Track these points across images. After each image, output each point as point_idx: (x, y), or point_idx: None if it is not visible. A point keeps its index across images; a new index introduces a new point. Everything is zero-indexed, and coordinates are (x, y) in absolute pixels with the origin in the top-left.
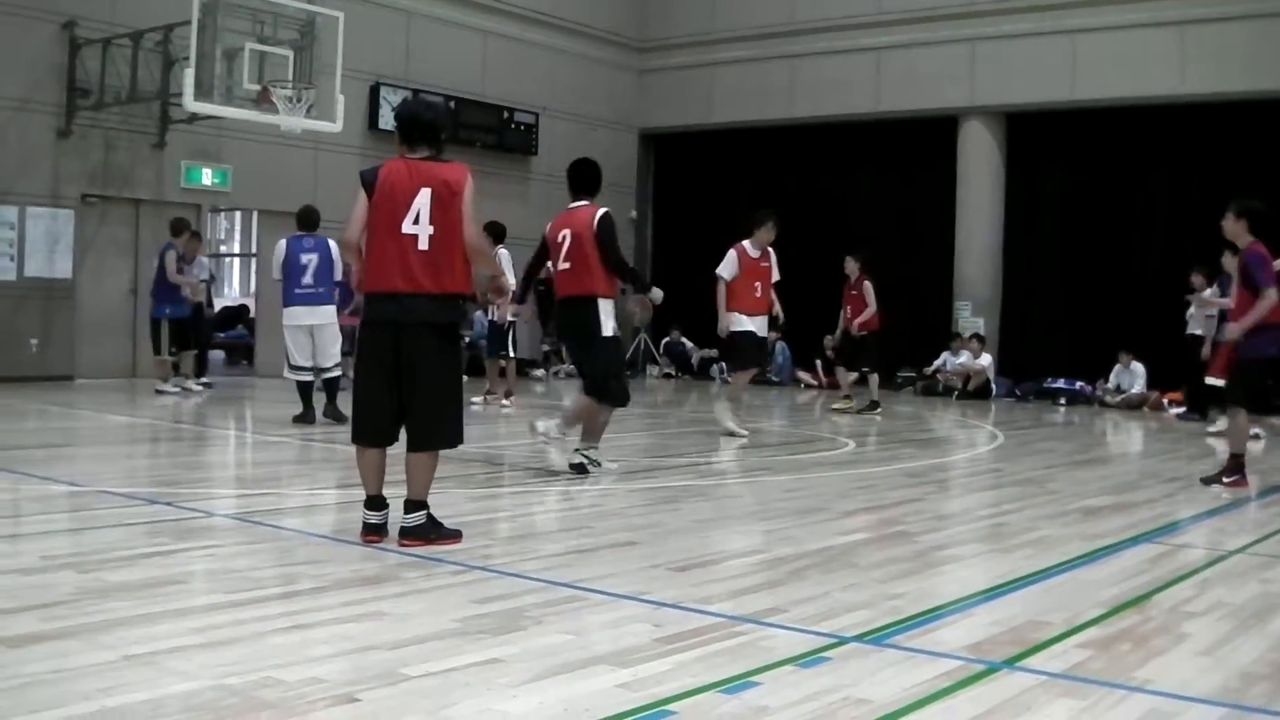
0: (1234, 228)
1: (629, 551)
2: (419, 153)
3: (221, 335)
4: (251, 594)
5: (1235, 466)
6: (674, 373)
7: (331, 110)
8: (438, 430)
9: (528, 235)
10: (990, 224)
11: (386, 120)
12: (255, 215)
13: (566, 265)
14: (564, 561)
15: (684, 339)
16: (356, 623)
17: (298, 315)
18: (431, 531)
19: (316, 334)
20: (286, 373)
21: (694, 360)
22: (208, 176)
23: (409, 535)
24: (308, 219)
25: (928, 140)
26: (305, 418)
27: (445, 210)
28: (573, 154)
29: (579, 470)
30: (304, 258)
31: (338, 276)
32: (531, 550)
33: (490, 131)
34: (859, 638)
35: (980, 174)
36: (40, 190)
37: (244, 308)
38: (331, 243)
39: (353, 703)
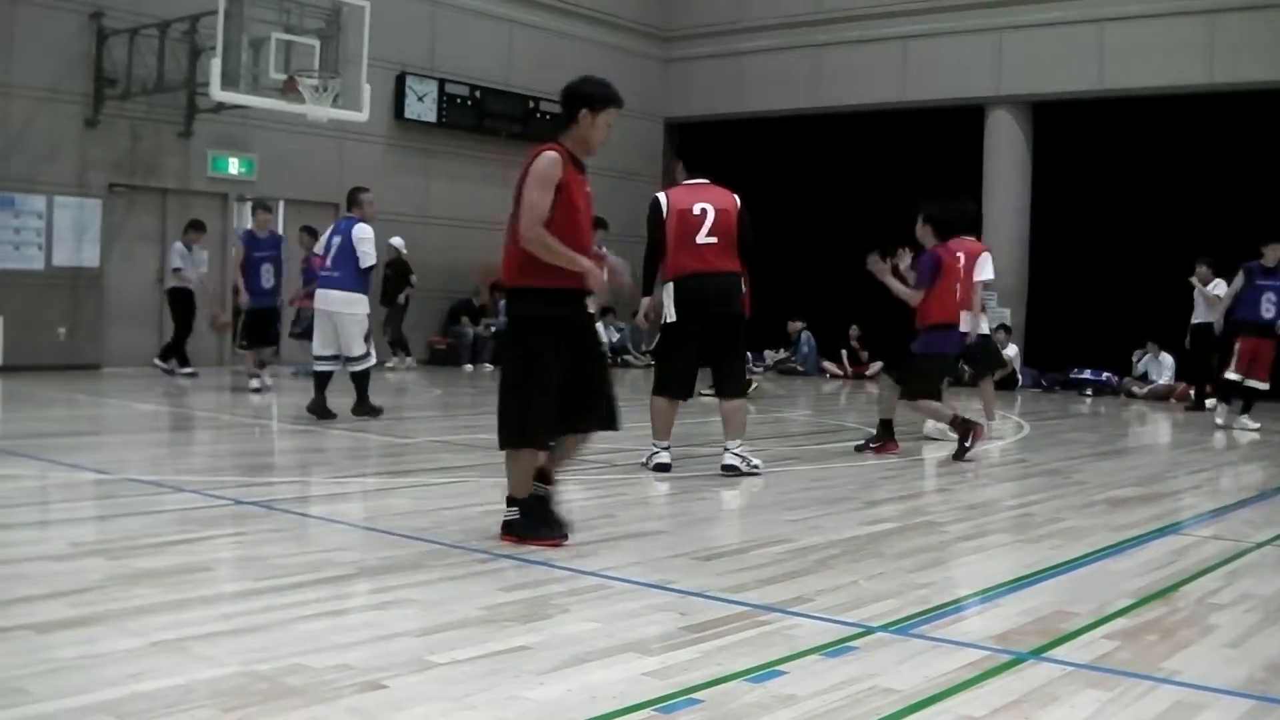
0: (921, 233)
1: (655, 540)
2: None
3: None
4: (279, 581)
5: (885, 432)
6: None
7: (357, 100)
8: (499, 428)
9: None
10: (1016, 214)
11: (412, 110)
12: (281, 204)
13: (713, 240)
14: (590, 550)
15: None
16: (384, 610)
17: (317, 299)
18: (526, 529)
19: (336, 321)
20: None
21: None
22: (234, 166)
23: (504, 530)
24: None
25: (953, 130)
26: (314, 407)
27: (515, 200)
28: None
29: (732, 471)
30: (332, 239)
31: (365, 263)
32: None
33: (516, 121)
34: (885, 627)
35: (1006, 164)
36: (67, 179)
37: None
38: (361, 226)
39: (380, 689)
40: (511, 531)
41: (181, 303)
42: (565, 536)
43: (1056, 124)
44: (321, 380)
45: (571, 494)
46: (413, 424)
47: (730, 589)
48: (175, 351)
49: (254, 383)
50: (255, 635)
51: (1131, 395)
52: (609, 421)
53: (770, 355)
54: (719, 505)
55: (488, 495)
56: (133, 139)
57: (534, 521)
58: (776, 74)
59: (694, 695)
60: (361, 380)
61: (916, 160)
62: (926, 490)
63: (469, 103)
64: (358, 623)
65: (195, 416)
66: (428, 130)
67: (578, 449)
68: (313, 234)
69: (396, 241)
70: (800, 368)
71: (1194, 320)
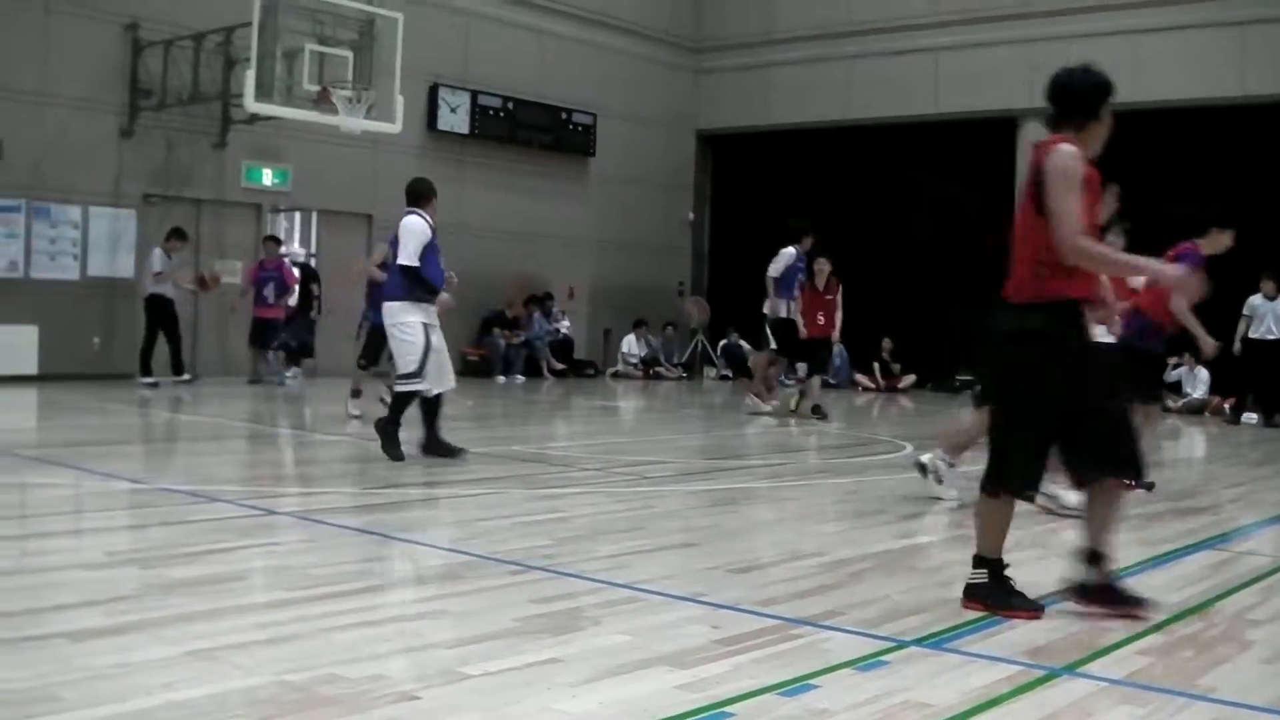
0: None
1: (688, 553)
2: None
3: (283, 334)
4: (313, 591)
5: None
6: (730, 375)
7: (390, 111)
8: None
9: (585, 235)
10: None
11: (445, 121)
12: (315, 215)
13: None
14: (623, 562)
15: (741, 341)
16: (417, 621)
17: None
18: (994, 598)
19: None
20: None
21: (750, 362)
22: (268, 176)
23: (966, 596)
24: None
25: (986, 141)
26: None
27: (1031, 202)
28: (630, 155)
29: (921, 470)
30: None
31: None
32: (590, 551)
33: (548, 132)
34: (918, 641)
35: None
36: (103, 190)
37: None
38: (411, 219)
39: (413, 700)
40: (976, 597)
41: (156, 310)
42: (1041, 608)
43: None
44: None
45: (602, 505)
46: (446, 435)
47: (762, 602)
48: (143, 359)
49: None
50: (289, 645)
51: (1166, 409)
52: (1128, 468)
53: (803, 368)
54: (751, 518)
55: (520, 506)
56: (167, 149)
57: (1003, 589)
58: (807, 85)
59: (726, 709)
60: (429, 408)
61: (948, 172)
62: (961, 504)
63: (501, 114)
64: (391, 633)
65: (230, 426)
66: (460, 141)
67: (1112, 507)
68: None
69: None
70: (832, 380)
71: (1253, 334)
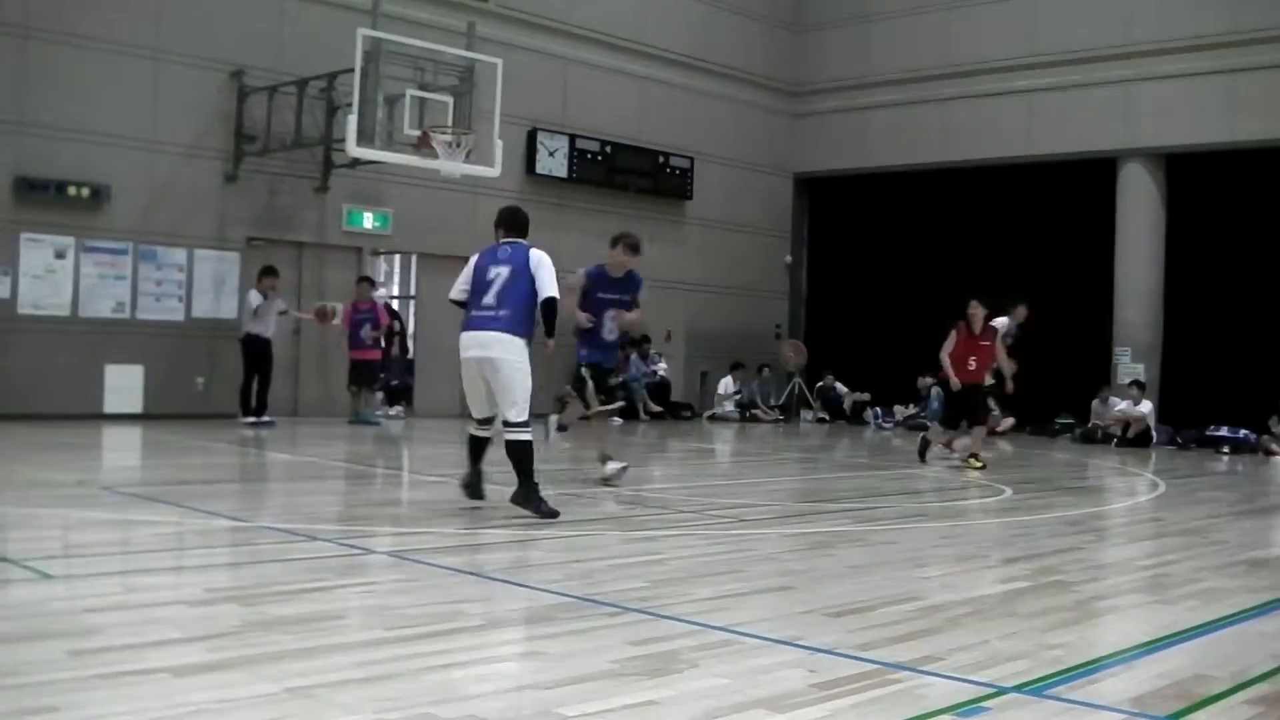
0: None
1: (784, 596)
2: None
3: (382, 374)
4: (410, 631)
5: None
6: (827, 417)
7: (490, 155)
8: None
9: (682, 278)
10: (1151, 268)
11: (544, 165)
12: (414, 258)
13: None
14: (719, 605)
15: (837, 383)
16: (513, 661)
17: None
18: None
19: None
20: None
21: (846, 404)
22: (368, 220)
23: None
24: (512, 220)
25: (1084, 183)
26: (469, 485)
27: None
28: (727, 198)
29: None
30: (492, 270)
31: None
32: (686, 593)
33: (646, 176)
34: (1018, 688)
35: (1140, 217)
36: (207, 233)
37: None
38: (536, 253)
39: None
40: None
41: (251, 349)
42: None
43: (1191, 176)
44: (476, 447)
45: (698, 548)
46: (542, 476)
47: (860, 646)
48: (244, 399)
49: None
50: (386, 684)
51: (1271, 453)
52: None
53: (900, 411)
54: (848, 561)
55: (616, 548)
56: (270, 194)
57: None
58: (904, 128)
59: None
60: (520, 456)
61: (1046, 214)
62: (1058, 549)
63: (599, 158)
64: (487, 673)
65: (330, 466)
66: (559, 185)
67: None
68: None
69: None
70: (929, 423)
71: None
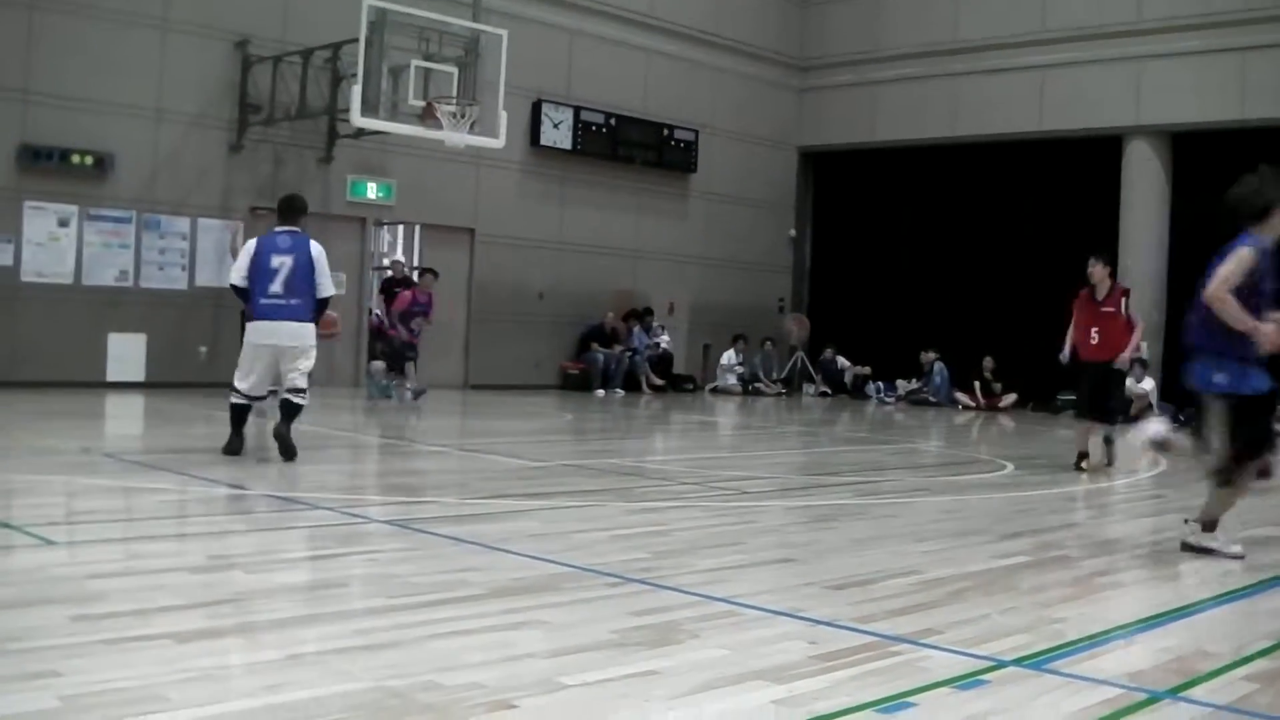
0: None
1: (785, 568)
2: None
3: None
4: (412, 599)
5: None
6: (828, 391)
7: (494, 127)
8: None
9: (685, 251)
10: (1155, 247)
11: (548, 137)
12: (418, 229)
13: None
14: (720, 577)
15: (839, 357)
16: (515, 630)
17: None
18: None
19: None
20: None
21: (848, 378)
22: (373, 190)
23: None
24: (289, 208)
25: (1091, 161)
26: (233, 449)
27: None
28: (732, 172)
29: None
30: (275, 259)
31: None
32: (688, 565)
33: (650, 148)
34: (1018, 662)
35: (1144, 195)
36: (211, 202)
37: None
38: (317, 247)
39: (510, 709)
40: None
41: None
42: None
43: (1197, 155)
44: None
45: (702, 520)
46: (545, 447)
47: (861, 619)
48: None
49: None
50: (388, 651)
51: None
52: None
53: (903, 385)
54: (850, 535)
55: (618, 519)
56: (275, 164)
57: None
58: (912, 104)
59: None
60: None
61: (1053, 192)
62: (1060, 524)
63: (604, 130)
64: (489, 642)
65: (332, 435)
66: (563, 157)
67: None
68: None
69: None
70: (932, 398)
71: None
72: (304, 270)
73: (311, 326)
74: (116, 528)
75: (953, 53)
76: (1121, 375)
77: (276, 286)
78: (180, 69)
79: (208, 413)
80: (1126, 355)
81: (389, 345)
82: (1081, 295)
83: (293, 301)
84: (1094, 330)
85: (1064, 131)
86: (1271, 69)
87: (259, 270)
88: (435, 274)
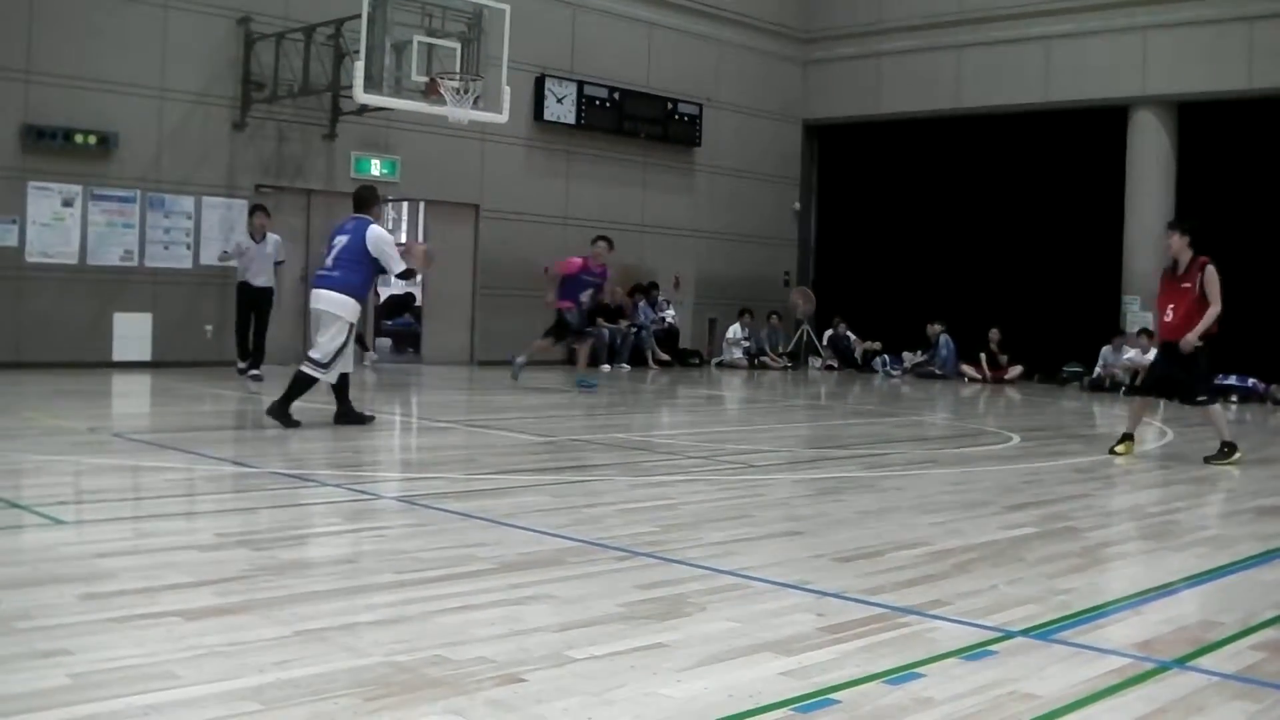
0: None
1: (793, 541)
2: None
3: (389, 323)
4: (420, 574)
5: None
6: (836, 365)
7: (498, 102)
8: None
9: (691, 225)
10: (1161, 216)
11: (552, 111)
12: (423, 205)
13: None
14: (728, 549)
15: (848, 331)
16: (523, 605)
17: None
18: None
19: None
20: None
21: (856, 352)
22: (376, 167)
23: None
24: (355, 199)
25: (1096, 131)
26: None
27: None
28: (736, 145)
29: None
30: (336, 240)
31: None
32: (695, 538)
33: (654, 123)
34: (1025, 632)
35: (1150, 164)
36: (215, 180)
37: (410, 296)
38: (375, 228)
39: (519, 683)
40: None
41: (245, 298)
42: None
43: (1203, 124)
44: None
45: (709, 494)
46: (553, 422)
47: (868, 590)
48: (239, 342)
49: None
50: (397, 627)
51: (1279, 402)
52: None
53: (909, 357)
54: (857, 507)
55: (626, 494)
56: (279, 141)
57: None
58: (917, 75)
59: (831, 696)
60: (338, 387)
61: (1057, 161)
62: (1067, 495)
63: (608, 104)
64: (497, 617)
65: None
66: (567, 132)
67: None
68: None
69: None
70: (938, 371)
71: None
72: (353, 249)
73: (342, 298)
74: (125, 506)
75: (957, 23)
76: (1191, 358)
77: (328, 260)
78: (183, 47)
79: (215, 391)
80: (1192, 336)
81: (558, 321)
82: (1166, 269)
83: (334, 273)
84: (1170, 307)
85: (1069, 102)
86: (1279, 37)
87: (326, 250)
88: (610, 243)
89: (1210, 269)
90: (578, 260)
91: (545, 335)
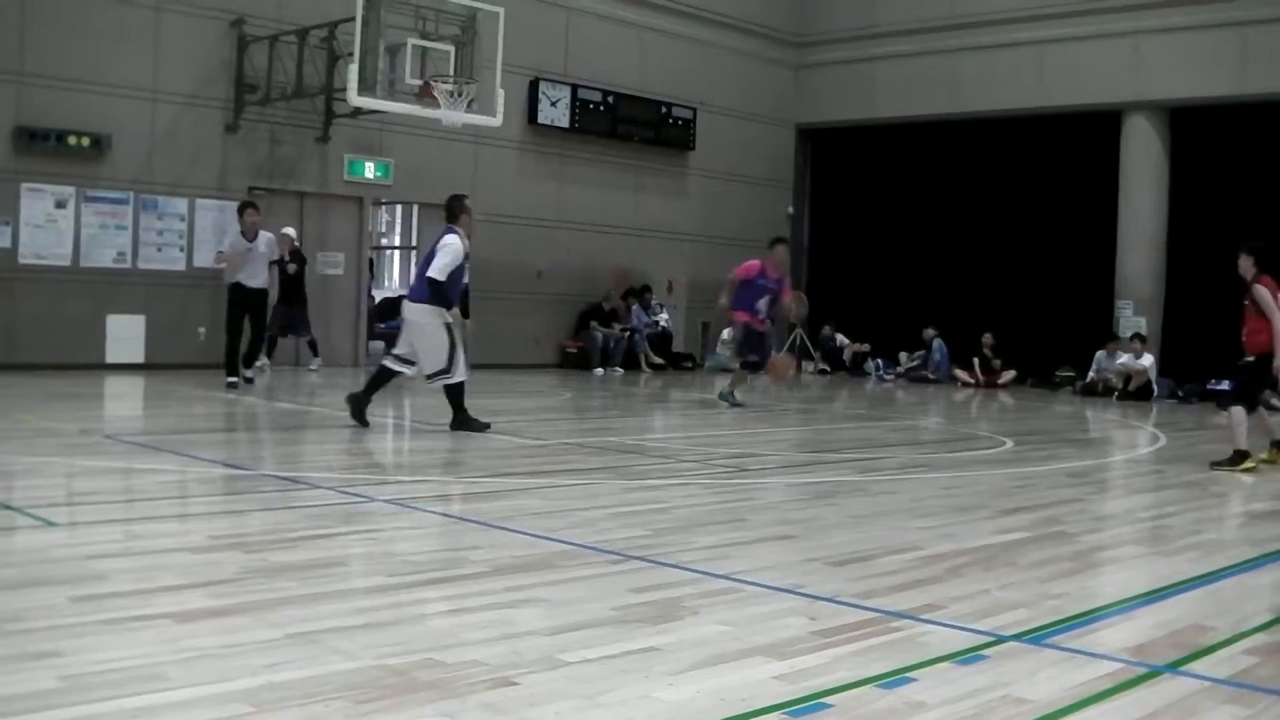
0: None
1: (786, 545)
2: None
3: (382, 326)
4: (412, 577)
5: None
6: (827, 368)
7: (491, 105)
8: None
9: (684, 229)
10: (1153, 221)
11: (545, 115)
12: (416, 208)
13: None
14: (721, 553)
15: (838, 334)
16: (515, 608)
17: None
18: None
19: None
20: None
21: (846, 356)
22: (370, 170)
23: None
24: (445, 208)
25: (1088, 136)
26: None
27: None
28: (730, 149)
29: None
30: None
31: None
32: (688, 541)
33: (648, 126)
34: (1018, 636)
35: (1143, 170)
36: (208, 183)
37: (402, 299)
38: (450, 238)
39: (511, 686)
40: None
41: (238, 299)
42: None
43: (1195, 129)
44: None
45: (702, 497)
46: (545, 426)
47: (861, 595)
48: (229, 357)
49: None
50: (388, 630)
51: (1272, 408)
52: None
53: (904, 358)
54: (850, 511)
55: (618, 497)
56: (272, 144)
57: None
58: (909, 79)
59: (824, 700)
60: (452, 395)
61: (1051, 166)
62: (1060, 500)
63: (602, 108)
64: (489, 620)
65: (332, 415)
66: (561, 135)
67: None
68: None
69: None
70: (932, 375)
71: None
72: (428, 258)
73: (418, 305)
74: (117, 508)
75: (950, 28)
76: (1243, 366)
77: (413, 272)
78: (176, 49)
79: (207, 393)
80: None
81: (741, 334)
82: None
83: (412, 284)
84: (1246, 327)
85: (1062, 107)
86: (1271, 43)
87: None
88: (788, 244)
89: (1256, 287)
90: (755, 263)
91: (738, 357)
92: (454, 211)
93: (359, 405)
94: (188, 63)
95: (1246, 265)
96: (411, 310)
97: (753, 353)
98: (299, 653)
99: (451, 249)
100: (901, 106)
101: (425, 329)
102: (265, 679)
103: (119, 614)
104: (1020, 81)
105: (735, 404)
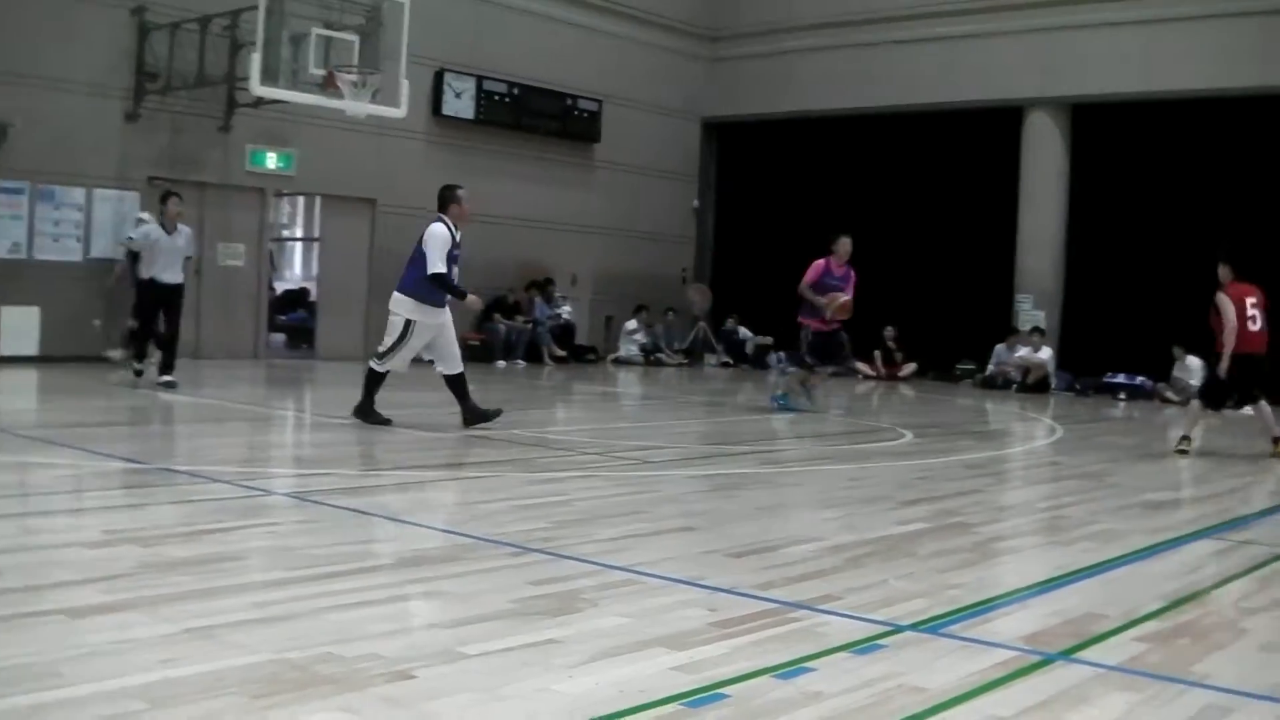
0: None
1: (686, 537)
2: None
3: (283, 318)
4: (311, 571)
5: None
6: (730, 361)
7: (396, 96)
8: None
9: (589, 222)
10: (1053, 216)
11: (450, 106)
12: (319, 200)
13: None
14: (621, 546)
15: (740, 327)
16: (415, 601)
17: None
18: None
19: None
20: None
21: (749, 348)
22: (273, 160)
23: None
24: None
25: (994, 132)
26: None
27: None
28: (635, 142)
29: None
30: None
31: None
32: (589, 534)
33: (553, 118)
34: (915, 626)
35: (1043, 165)
36: (108, 172)
37: (304, 291)
38: (433, 227)
39: (411, 679)
40: None
41: (157, 296)
42: None
43: (1096, 126)
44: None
45: (602, 489)
46: (447, 418)
47: (760, 586)
48: (137, 340)
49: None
50: (287, 624)
51: (1166, 400)
52: None
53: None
54: (751, 503)
55: (520, 490)
56: (173, 133)
57: None
58: (816, 74)
59: (722, 690)
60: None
61: (955, 162)
62: (959, 492)
63: (507, 100)
64: (389, 613)
65: (231, 408)
66: (466, 127)
67: None
68: None
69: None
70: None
71: None
72: (415, 250)
73: (400, 297)
74: (10, 503)
75: (863, 23)
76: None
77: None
78: (76, 36)
79: (103, 386)
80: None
81: (810, 339)
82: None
83: (400, 275)
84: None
85: (969, 103)
86: (1179, 41)
87: None
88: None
89: (1219, 294)
90: (820, 262)
91: (804, 369)
92: (444, 201)
93: (365, 410)
94: (87, 50)
95: (1223, 273)
96: (393, 299)
97: (825, 360)
98: (196, 648)
99: (437, 238)
100: (813, 101)
101: (392, 317)
102: (161, 674)
103: (11, 610)
104: (930, 77)
105: (798, 409)
